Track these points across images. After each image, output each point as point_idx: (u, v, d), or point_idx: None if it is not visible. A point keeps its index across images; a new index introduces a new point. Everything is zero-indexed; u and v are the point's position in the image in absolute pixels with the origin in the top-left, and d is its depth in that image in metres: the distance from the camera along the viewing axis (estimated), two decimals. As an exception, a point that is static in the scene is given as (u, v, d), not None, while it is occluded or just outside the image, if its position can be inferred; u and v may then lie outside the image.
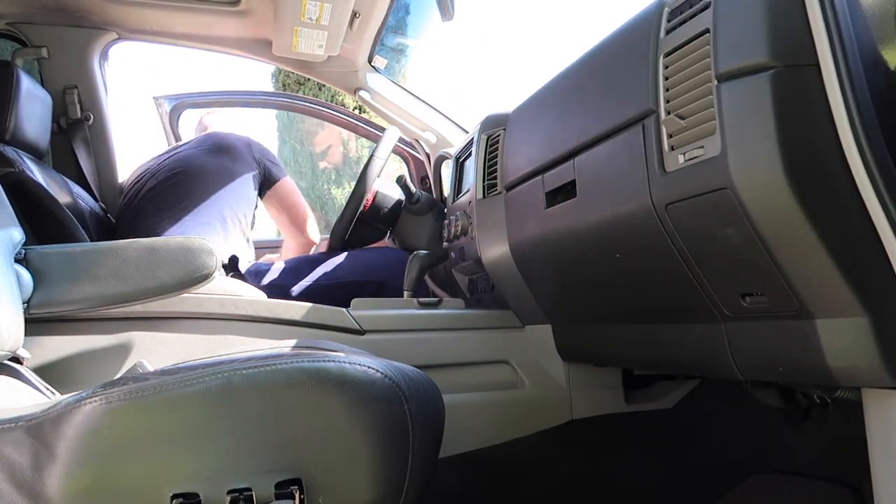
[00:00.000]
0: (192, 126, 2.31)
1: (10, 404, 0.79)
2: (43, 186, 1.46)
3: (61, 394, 0.93)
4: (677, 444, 1.41)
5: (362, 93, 2.13)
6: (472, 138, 1.44)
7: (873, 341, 0.65)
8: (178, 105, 2.32)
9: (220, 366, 0.68)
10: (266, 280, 1.68)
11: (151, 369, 1.01)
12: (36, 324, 1.02)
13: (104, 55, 2.01)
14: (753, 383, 1.06)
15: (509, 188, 1.22)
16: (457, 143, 1.92)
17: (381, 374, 0.71)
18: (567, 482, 1.36)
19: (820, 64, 0.62)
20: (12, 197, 1.04)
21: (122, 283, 1.03)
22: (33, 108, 1.63)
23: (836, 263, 0.64)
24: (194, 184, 1.75)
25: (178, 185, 1.75)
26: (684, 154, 0.74)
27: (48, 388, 0.95)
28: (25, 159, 1.55)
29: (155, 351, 1.17)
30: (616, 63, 0.88)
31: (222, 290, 1.25)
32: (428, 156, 2.19)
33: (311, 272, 1.72)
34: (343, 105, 6.19)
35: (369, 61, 2.08)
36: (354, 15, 1.81)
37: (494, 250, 1.27)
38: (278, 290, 1.64)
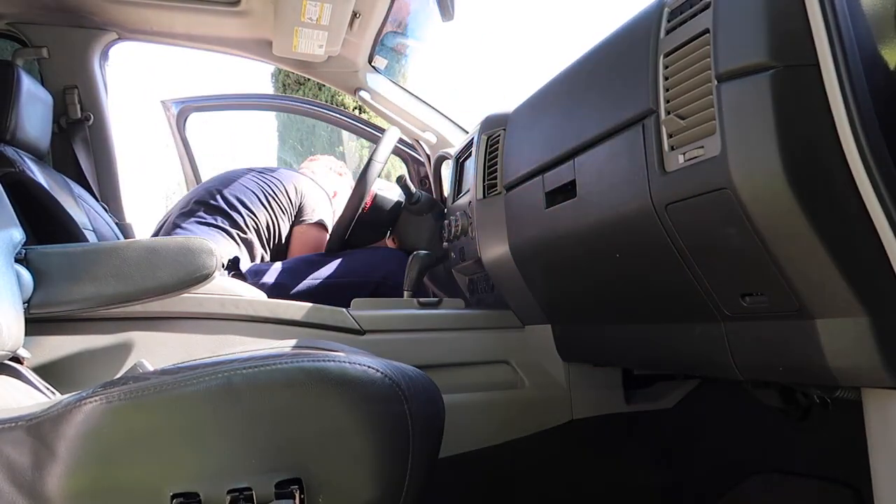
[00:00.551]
0: (197, 129, 2.36)
1: (10, 404, 0.79)
2: (43, 186, 1.46)
3: (61, 394, 0.93)
4: (677, 444, 1.41)
5: (362, 93, 2.13)
6: (472, 138, 1.44)
7: (873, 341, 0.65)
8: (185, 108, 2.33)
9: (220, 366, 0.68)
10: (265, 280, 1.68)
11: (151, 369, 1.01)
12: (36, 324, 1.02)
13: (104, 55, 2.01)
14: (753, 383, 1.05)
15: (509, 188, 1.22)
16: (457, 143, 1.92)
17: (382, 373, 0.71)
18: (567, 482, 1.36)
19: (820, 64, 0.62)
20: (12, 197, 1.04)
21: (122, 283, 1.03)
22: (34, 108, 1.63)
23: (836, 263, 0.64)
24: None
25: None
26: (684, 154, 0.74)
27: (48, 388, 0.95)
28: (26, 159, 1.55)
29: (155, 351, 1.17)
30: (616, 63, 0.88)
31: (222, 290, 1.25)
32: (428, 156, 2.19)
33: (309, 273, 1.72)
34: (343, 105, 6.20)
35: (369, 61, 2.08)
36: (354, 15, 1.81)
37: (494, 250, 1.27)
38: (277, 290, 1.64)
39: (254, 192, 1.90)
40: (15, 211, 1.01)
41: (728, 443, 1.34)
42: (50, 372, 1.08)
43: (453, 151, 1.73)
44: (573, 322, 1.23)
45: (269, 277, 1.70)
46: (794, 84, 0.63)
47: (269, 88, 8.67)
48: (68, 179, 1.75)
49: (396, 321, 1.33)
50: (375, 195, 1.76)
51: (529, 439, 1.31)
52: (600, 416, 1.35)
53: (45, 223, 1.39)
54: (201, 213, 1.84)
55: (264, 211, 1.89)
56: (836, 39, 0.61)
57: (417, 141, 2.19)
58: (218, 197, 1.88)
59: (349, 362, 0.71)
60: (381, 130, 2.08)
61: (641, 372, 1.38)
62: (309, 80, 6.67)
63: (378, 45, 2.04)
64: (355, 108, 5.90)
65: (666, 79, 0.76)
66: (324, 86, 5.15)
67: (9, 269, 0.92)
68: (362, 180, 1.68)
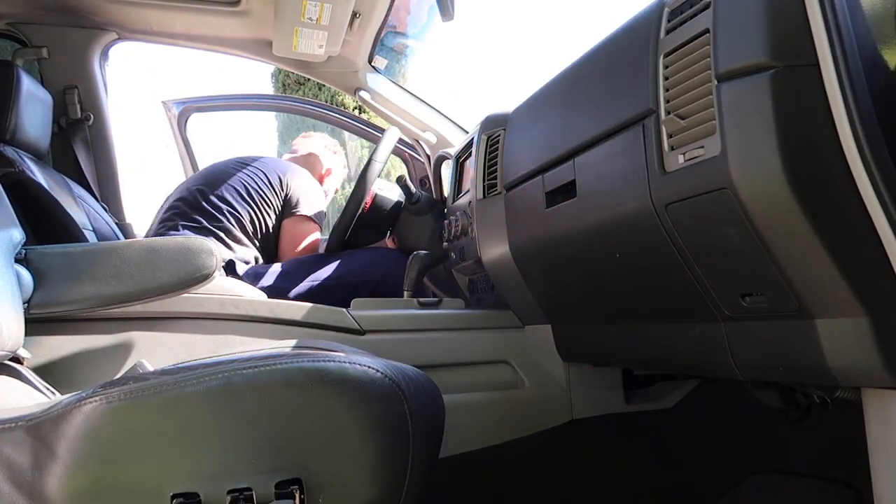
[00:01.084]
0: (198, 129, 2.35)
1: (10, 404, 0.79)
2: (43, 186, 1.46)
3: (61, 394, 0.93)
4: (677, 444, 1.41)
5: (362, 93, 2.13)
6: (472, 138, 1.44)
7: (873, 341, 0.65)
8: (186, 109, 2.33)
9: (220, 366, 0.68)
10: (263, 283, 1.68)
11: (151, 369, 1.01)
12: (36, 324, 1.02)
13: (104, 55, 2.01)
14: (753, 383, 1.05)
15: (509, 188, 1.22)
16: (457, 143, 1.92)
17: (382, 373, 0.71)
18: (567, 482, 1.36)
19: (820, 64, 0.62)
20: (12, 197, 1.04)
21: (122, 283, 1.03)
22: (33, 108, 1.63)
23: (836, 263, 0.64)
24: None
25: None
26: (684, 154, 0.74)
27: (48, 388, 0.95)
28: (26, 159, 1.55)
29: (155, 351, 1.17)
30: (616, 63, 0.88)
31: (222, 290, 1.25)
32: (428, 156, 2.19)
33: (307, 274, 1.71)
34: (343, 105, 6.20)
35: (369, 61, 2.08)
36: (354, 15, 1.81)
37: (494, 250, 1.27)
38: (276, 292, 1.64)
39: (235, 188, 1.84)
40: (15, 211, 1.01)
41: (728, 443, 1.34)
42: (50, 372, 1.08)
43: (453, 151, 1.73)
44: (573, 322, 1.23)
45: (267, 280, 1.70)
46: (794, 84, 0.63)
47: (269, 88, 8.67)
48: (68, 179, 1.75)
49: (396, 321, 1.33)
50: (375, 195, 1.76)
51: (529, 439, 1.31)
52: (600, 416, 1.35)
53: (44, 223, 1.39)
54: (185, 215, 1.79)
55: (247, 207, 1.82)
56: (836, 39, 0.61)
57: (417, 141, 2.19)
58: (199, 196, 1.82)
59: (349, 362, 0.71)
60: (381, 130, 2.08)
61: (641, 372, 1.38)
62: (309, 80, 6.66)
63: (378, 45, 2.04)
64: (355, 108, 5.90)
65: (666, 79, 0.76)
66: (324, 86, 5.15)
67: (9, 269, 0.92)
68: (362, 180, 1.68)
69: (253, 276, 1.70)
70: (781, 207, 0.64)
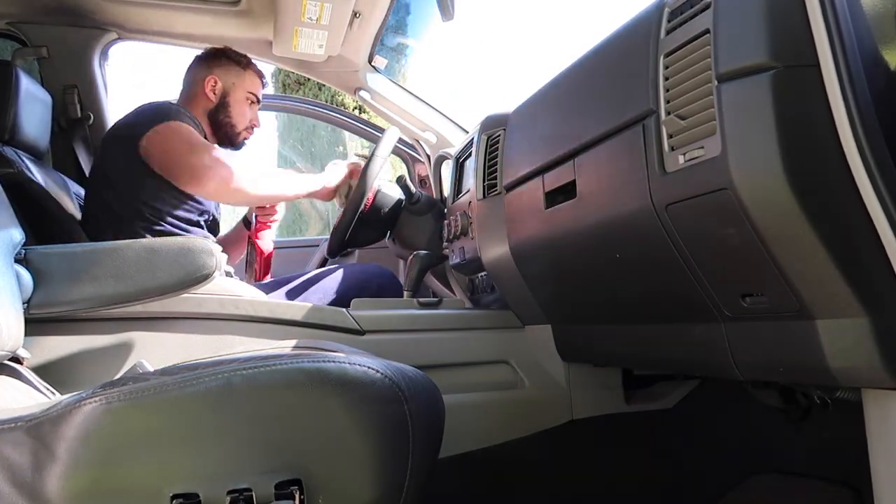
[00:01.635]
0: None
1: (10, 404, 0.79)
2: (43, 187, 1.46)
3: (61, 394, 0.93)
4: (677, 444, 1.41)
5: (362, 93, 2.13)
6: (472, 138, 1.44)
7: (873, 342, 0.65)
8: None
9: (220, 366, 0.68)
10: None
11: (151, 369, 1.01)
12: (36, 324, 1.02)
13: (104, 55, 2.00)
14: (753, 383, 1.05)
15: (509, 188, 1.22)
16: (457, 143, 1.92)
17: (381, 374, 0.71)
18: (567, 482, 1.36)
19: (820, 64, 0.62)
20: (12, 197, 1.04)
21: (122, 283, 1.03)
22: (33, 108, 1.63)
23: (836, 263, 0.64)
24: None
25: None
26: (684, 154, 0.74)
27: (48, 388, 0.95)
28: (25, 159, 1.55)
29: (155, 351, 1.17)
30: (616, 63, 0.88)
31: (222, 290, 1.25)
32: (428, 156, 2.19)
33: (304, 292, 1.70)
34: (343, 105, 6.20)
35: (369, 61, 2.08)
36: (354, 15, 1.81)
37: (494, 250, 1.27)
38: None
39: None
40: (14, 211, 1.01)
41: (728, 443, 1.34)
42: (50, 372, 1.08)
43: (453, 151, 1.73)
44: (573, 322, 1.23)
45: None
46: (795, 84, 0.63)
47: (269, 88, 8.66)
48: (68, 179, 1.75)
49: (396, 321, 1.33)
50: (377, 192, 1.76)
51: (529, 439, 1.31)
52: (600, 416, 1.35)
53: (44, 223, 1.39)
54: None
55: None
56: (837, 40, 0.61)
57: (417, 141, 2.19)
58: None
59: (349, 363, 0.71)
60: (381, 130, 2.08)
61: (641, 372, 1.38)
62: (309, 80, 6.67)
63: (378, 45, 2.04)
64: (355, 108, 5.90)
65: (666, 79, 0.76)
66: (324, 86, 5.16)
67: (9, 270, 0.92)
68: (363, 179, 1.68)
69: None
70: (782, 208, 0.64)
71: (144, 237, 1.47)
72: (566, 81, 1.05)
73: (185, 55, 1.85)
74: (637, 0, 0.86)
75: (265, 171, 1.63)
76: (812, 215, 0.64)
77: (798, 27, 0.63)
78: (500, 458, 1.30)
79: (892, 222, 0.61)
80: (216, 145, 1.72)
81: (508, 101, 1.34)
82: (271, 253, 1.87)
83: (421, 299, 1.42)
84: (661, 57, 0.77)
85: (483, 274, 1.49)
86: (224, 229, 1.95)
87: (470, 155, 1.47)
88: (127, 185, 1.55)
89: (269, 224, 1.88)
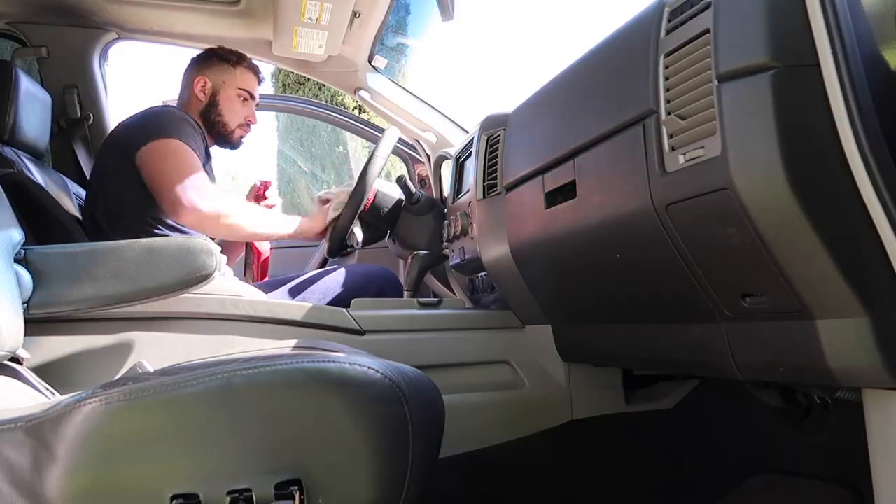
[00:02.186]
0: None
1: (10, 404, 0.79)
2: (42, 187, 1.46)
3: (61, 394, 0.92)
4: (677, 444, 1.41)
5: (362, 93, 2.13)
6: (472, 138, 1.44)
7: (874, 342, 0.65)
8: None
9: (219, 366, 0.68)
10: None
11: (151, 369, 1.00)
12: (36, 324, 1.02)
13: (104, 55, 2.01)
14: (754, 383, 1.06)
15: (509, 188, 1.22)
16: (457, 143, 1.91)
17: (381, 374, 0.71)
18: (567, 482, 1.36)
19: (820, 64, 0.62)
20: (12, 197, 1.04)
21: (122, 283, 1.03)
22: (33, 109, 1.63)
23: (837, 263, 0.64)
24: None
25: None
26: (685, 154, 0.74)
27: (48, 389, 0.95)
28: (25, 160, 1.55)
29: (155, 351, 1.17)
30: (616, 63, 0.88)
31: (222, 290, 1.25)
32: (428, 156, 2.19)
33: (303, 292, 1.70)
34: (343, 105, 6.20)
35: (369, 61, 2.08)
36: (354, 15, 1.81)
37: (494, 250, 1.27)
38: None
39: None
40: (14, 211, 1.01)
41: (728, 443, 1.34)
42: (49, 372, 1.08)
43: (453, 151, 1.72)
44: (573, 322, 1.23)
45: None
46: (795, 84, 0.63)
47: (269, 88, 8.67)
48: (67, 179, 1.75)
49: (396, 321, 1.33)
50: (377, 192, 1.76)
51: (529, 439, 1.31)
52: (600, 416, 1.35)
53: (43, 224, 1.38)
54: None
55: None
56: (837, 39, 0.61)
57: (417, 141, 2.19)
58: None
59: (349, 363, 0.71)
60: (381, 130, 2.08)
61: (641, 372, 1.38)
62: (309, 80, 6.67)
63: (378, 45, 2.04)
64: (355, 108, 5.90)
65: (666, 79, 0.76)
66: (324, 86, 5.16)
67: (8, 270, 0.92)
68: (363, 179, 1.68)
69: None
70: (782, 208, 0.64)
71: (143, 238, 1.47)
72: (566, 81, 1.05)
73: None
74: (637, 0, 0.86)
75: (250, 211, 1.62)
76: (812, 215, 0.64)
77: (798, 27, 0.63)
78: (500, 458, 1.30)
79: (892, 222, 0.61)
80: (212, 185, 1.63)
81: (508, 101, 1.34)
82: (268, 257, 1.88)
83: (421, 299, 1.42)
84: (662, 57, 0.77)
85: (483, 274, 1.49)
86: None
87: (470, 155, 1.47)
88: (124, 188, 1.55)
89: None
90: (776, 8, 0.64)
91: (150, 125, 1.57)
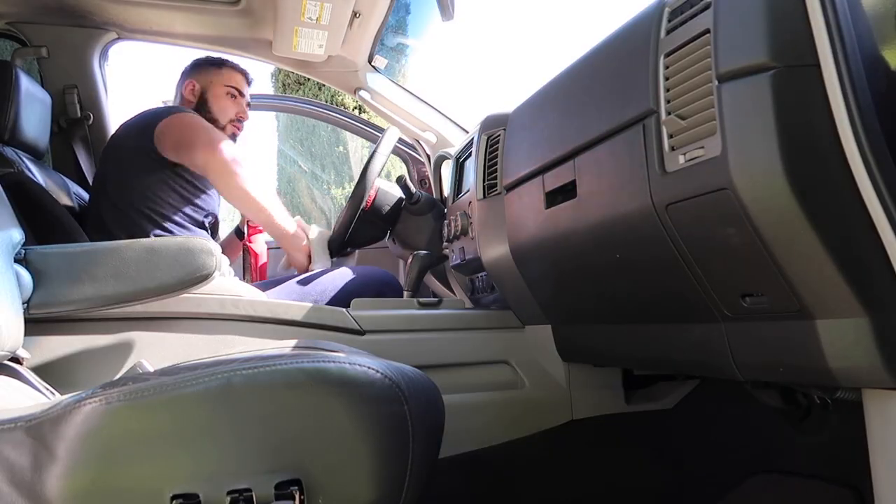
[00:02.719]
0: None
1: (10, 404, 0.79)
2: (42, 187, 1.46)
3: (61, 394, 0.93)
4: (677, 444, 1.41)
5: (362, 93, 2.13)
6: (472, 138, 1.44)
7: (874, 342, 0.65)
8: None
9: (219, 366, 0.68)
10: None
11: (151, 369, 1.00)
12: (36, 324, 1.02)
13: (104, 55, 2.01)
14: (753, 383, 1.05)
15: (509, 188, 1.22)
16: (457, 143, 1.91)
17: (381, 374, 0.71)
18: (567, 482, 1.36)
19: (820, 64, 0.62)
20: (12, 197, 1.04)
21: (121, 283, 1.03)
22: (33, 108, 1.63)
23: (837, 263, 0.64)
24: None
25: None
26: (685, 154, 0.74)
27: (48, 389, 0.95)
28: (25, 159, 1.55)
29: (155, 351, 1.17)
30: (616, 63, 0.88)
31: (222, 290, 1.25)
32: (428, 156, 2.19)
33: (303, 292, 1.70)
34: (343, 105, 6.20)
35: (369, 61, 2.08)
36: (354, 15, 1.81)
37: (494, 250, 1.27)
38: None
39: None
40: (14, 211, 1.01)
41: (728, 443, 1.34)
42: (49, 372, 1.08)
43: (453, 151, 1.73)
44: (573, 322, 1.23)
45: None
46: (795, 84, 0.63)
47: (269, 88, 8.68)
48: (67, 179, 1.75)
49: (396, 321, 1.33)
50: (378, 190, 1.76)
51: (529, 439, 1.31)
52: (600, 416, 1.35)
53: (44, 223, 1.39)
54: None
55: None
56: (837, 40, 0.61)
57: (417, 141, 2.19)
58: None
59: (349, 363, 0.71)
60: (381, 130, 2.08)
61: (641, 372, 1.38)
62: (309, 80, 6.67)
63: (378, 45, 2.04)
64: (355, 108, 5.91)
65: (666, 79, 0.76)
66: (324, 86, 5.16)
67: (8, 270, 0.92)
68: (363, 178, 1.68)
69: None
70: (782, 208, 0.64)
71: (149, 237, 1.48)
72: (566, 81, 1.05)
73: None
74: (637, 0, 0.86)
75: (261, 182, 1.65)
76: (812, 215, 0.64)
77: (798, 27, 0.63)
78: (500, 458, 1.30)
79: (892, 222, 0.61)
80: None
81: (508, 101, 1.34)
82: (266, 262, 1.88)
83: (421, 299, 1.42)
84: (662, 57, 0.77)
85: (483, 274, 1.49)
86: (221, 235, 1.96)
87: (470, 155, 1.47)
88: (136, 179, 1.58)
89: (260, 229, 1.89)
90: (776, 8, 0.64)
91: (163, 109, 1.65)
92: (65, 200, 1.63)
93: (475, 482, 1.30)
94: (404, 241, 1.82)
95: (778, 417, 1.21)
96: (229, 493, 0.65)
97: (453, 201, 1.62)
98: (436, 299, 1.43)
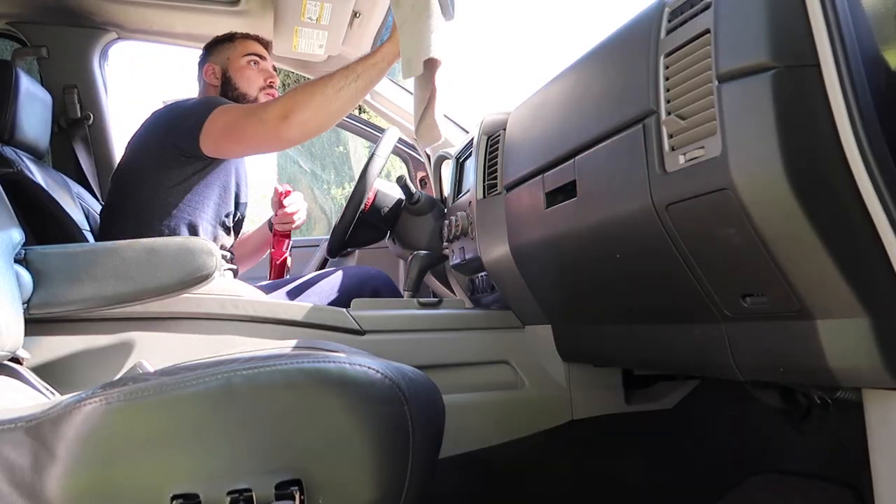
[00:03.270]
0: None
1: (10, 404, 0.79)
2: (42, 187, 1.46)
3: (61, 394, 0.93)
4: (677, 444, 1.41)
5: (362, 92, 2.13)
6: (472, 138, 1.44)
7: (874, 342, 0.65)
8: None
9: (219, 366, 0.68)
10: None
11: (151, 370, 1.00)
12: (36, 324, 1.02)
13: (104, 55, 2.01)
14: (754, 384, 1.06)
15: (509, 188, 1.22)
16: (457, 143, 1.92)
17: (381, 374, 0.71)
18: (567, 482, 1.36)
19: (820, 64, 0.62)
20: (11, 197, 1.04)
21: (122, 283, 1.03)
22: (33, 108, 1.63)
23: (837, 264, 0.64)
24: None
25: None
26: (685, 154, 0.74)
27: (48, 389, 0.95)
28: (25, 159, 1.55)
29: (155, 351, 1.17)
30: (616, 63, 0.88)
31: (222, 290, 1.25)
32: (428, 156, 2.19)
33: (302, 294, 1.70)
34: (343, 105, 6.19)
35: (369, 61, 2.07)
36: (354, 15, 1.81)
37: (494, 250, 1.27)
38: None
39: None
40: (14, 211, 1.01)
41: (728, 443, 1.34)
42: (50, 372, 1.08)
43: (453, 151, 1.73)
44: (573, 322, 1.23)
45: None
46: (795, 84, 0.63)
47: (268, 88, 8.64)
48: (68, 179, 1.75)
49: (396, 321, 1.33)
50: (377, 192, 1.76)
51: (529, 439, 1.31)
52: (600, 417, 1.35)
53: (44, 224, 1.39)
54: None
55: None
56: (837, 39, 0.61)
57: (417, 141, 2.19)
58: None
59: (349, 363, 0.71)
60: (381, 130, 2.08)
61: (641, 372, 1.38)
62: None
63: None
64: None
65: (666, 79, 0.76)
66: (324, 85, 5.15)
67: (8, 270, 0.92)
68: (363, 179, 1.68)
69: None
70: (782, 208, 0.64)
71: (177, 234, 1.49)
72: (566, 81, 1.05)
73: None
74: (637, 0, 0.86)
75: (306, 92, 1.45)
76: (812, 215, 0.64)
77: (798, 27, 0.63)
78: (500, 458, 1.30)
79: (892, 222, 0.61)
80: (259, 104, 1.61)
81: (508, 101, 1.33)
82: (285, 260, 1.88)
83: (421, 299, 1.42)
84: (662, 57, 0.77)
85: (483, 274, 1.49)
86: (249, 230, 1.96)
87: (470, 155, 1.47)
88: (165, 178, 1.53)
89: (288, 233, 1.88)
90: (776, 8, 0.64)
91: (198, 105, 1.54)
92: (65, 200, 1.63)
93: (475, 482, 1.30)
94: (404, 241, 1.82)
95: (778, 417, 1.21)
96: (229, 493, 0.65)
97: (453, 201, 1.62)
98: (436, 299, 1.43)
